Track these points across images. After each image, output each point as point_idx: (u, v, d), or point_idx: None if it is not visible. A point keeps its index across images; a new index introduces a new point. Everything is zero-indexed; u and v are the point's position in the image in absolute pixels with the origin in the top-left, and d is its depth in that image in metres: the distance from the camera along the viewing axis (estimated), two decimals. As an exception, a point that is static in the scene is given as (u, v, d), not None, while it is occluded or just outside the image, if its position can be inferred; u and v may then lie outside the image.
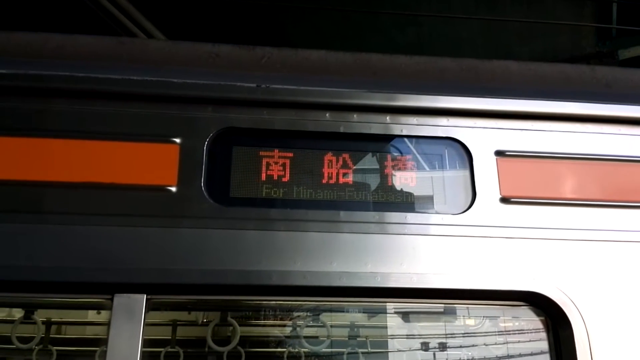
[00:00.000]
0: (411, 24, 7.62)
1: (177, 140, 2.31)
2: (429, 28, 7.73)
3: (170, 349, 4.11)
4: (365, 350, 4.25)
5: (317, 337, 3.84)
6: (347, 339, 4.24)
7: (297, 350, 4.12)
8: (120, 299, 2.10)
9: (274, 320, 4.35)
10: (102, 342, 4.17)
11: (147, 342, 2.12)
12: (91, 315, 4.79)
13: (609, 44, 7.90)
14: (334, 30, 7.54)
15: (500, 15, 7.08)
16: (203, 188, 2.26)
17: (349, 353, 4.23)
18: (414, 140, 2.48)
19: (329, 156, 2.42)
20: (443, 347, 3.87)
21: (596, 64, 7.21)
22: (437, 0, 7.33)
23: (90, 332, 4.84)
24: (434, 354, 3.96)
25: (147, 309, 2.13)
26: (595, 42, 7.91)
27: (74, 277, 2.11)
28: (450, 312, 2.82)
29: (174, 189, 2.25)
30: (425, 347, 3.88)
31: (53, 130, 2.28)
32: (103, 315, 4.59)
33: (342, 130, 2.43)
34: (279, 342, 4.39)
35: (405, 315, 3.22)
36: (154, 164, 2.27)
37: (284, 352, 4.26)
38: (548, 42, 7.75)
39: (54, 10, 6.57)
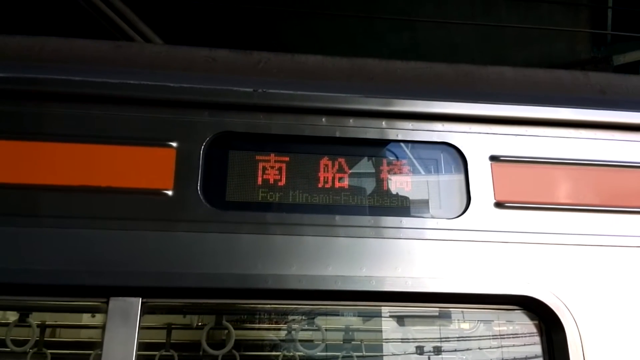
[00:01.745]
0: (406, 28, 7.65)
1: (174, 144, 2.32)
2: (424, 33, 7.75)
3: (164, 353, 4.10)
4: (360, 354, 4.26)
5: (311, 340, 3.84)
6: (342, 342, 4.24)
7: (291, 353, 4.11)
8: (115, 303, 2.11)
9: (269, 323, 4.35)
10: (96, 345, 4.18)
11: (141, 346, 2.12)
12: (85, 318, 4.78)
13: (604, 50, 7.95)
14: (330, 34, 7.56)
15: (496, 20, 7.11)
16: (199, 192, 2.27)
17: (343, 357, 4.24)
18: (409, 145, 2.49)
19: (324, 161, 2.43)
20: (438, 350, 3.88)
21: (591, 69, 7.25)
22: (433, 5, 7.35)
23: (84, 335, 4.84)
24: (429, 358, 3.97)
25: (143, 313, 2.13)
26: (590, 48, 7.95)
27: (70, 280, 2.11)
28: (444, 316, 2.83)
29: (170, 192, 2.25)
30: (420, 350, 3.89)
31: (49, 134, 2.28)
32: (97, 319, 4.60)
33: (338, 135, 2.45)
34: (274, 346, 4.39)
35: (400, 319, 3.23)
36: (150, 167, 2.28)
37: (278, 355, 4.26)
38: (543, 48, 7.79)
39: (50, 14, 6.57)
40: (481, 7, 7.35)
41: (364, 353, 4.31)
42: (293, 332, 3.80)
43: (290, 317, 3.83)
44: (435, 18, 6.94)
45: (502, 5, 7.37)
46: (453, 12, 7.22)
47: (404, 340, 3.88)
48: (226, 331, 3.37)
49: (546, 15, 7.29)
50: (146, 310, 2.16)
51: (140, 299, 2.13)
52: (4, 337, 3.40)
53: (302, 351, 3.72)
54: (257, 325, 4.35)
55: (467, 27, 7.07)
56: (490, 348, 3.33)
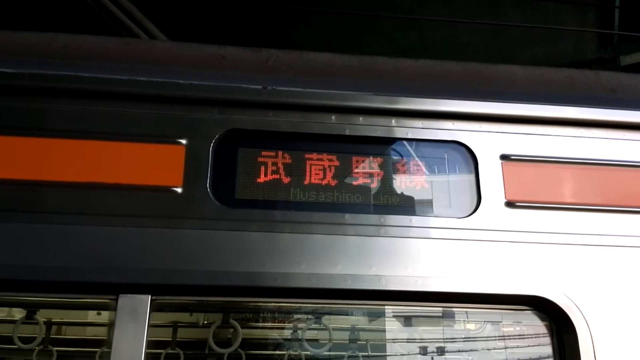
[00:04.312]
0: (413, 27, 7.62)
1: (183, 141, 2.31)
2: (430, 32, 7.72)
3: (170, 351, 4.09)
4: (367, 353, 4.24)
5: (317, 340, 3.82)
6: (348, 342, 4.22)
7: (297, 352, 4.10)
8: (125, 300, 2.10)
9: (276, 322, 4.34)
10: (102, 342, 4.17)
11: (148, 344, 2.11)
12: (91, 315, 4.78)
13: (611, 50, 7.91)
14: (337, 32, 7.54)
15: (503, 19, 7.08)
16: (208, 189, 2.26)
17: (350, 357, 4.22)
18: (419, 143, 2.48)
19: (334, 159, 2.42)
20: (446, 351, 3.86)
21: (598, 69, 7.21)
22: (440, 4, 7.33)
23: (90, 332, 4.83)
24: (432, 359, 3.95)
25: (152, 310, 2.13)
26: (597, 48, 7.91)
27: (79, 277, 2.11)
28: (453, 316, 2.81)
29: (179, 190, 2.25)
30: (428, 351, 3.87)
31: (59, 130, 2.28)
32: (103, 316, 4.59)
33: (347, 133, 2.44)
34: (280, 345, 4.37)
35: (408, 319, 3.21)
36: (159, 164, 2.28)
37: (284, 354, 4.25)
38: (550, 47, 7.76)
39: (55, 10, 6.56)
40: (488, 7, 7.32)
41: (370, 353, 4.29)
42: (300, 331, 3.79)
43: (297, 316, 3.82)
44: (442, 17, 6.92)
45: (509, 5, 7.34)
46: (460, 11, 7.20)
47: (413, 340, 3.86)
48: (232, 330, 3.35)
49: (553, 14, 7.26)
50: (155, 307, 2.15)
51: (150, 296, 2.12)
52: (9, 334, 3.39)
53: (308, 350, 3.71)
54: (263, 324, 4.34)
55: (474, 26, 7.04)
56: (500, 349, 3.31)
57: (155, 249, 2.16)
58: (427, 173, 2.46)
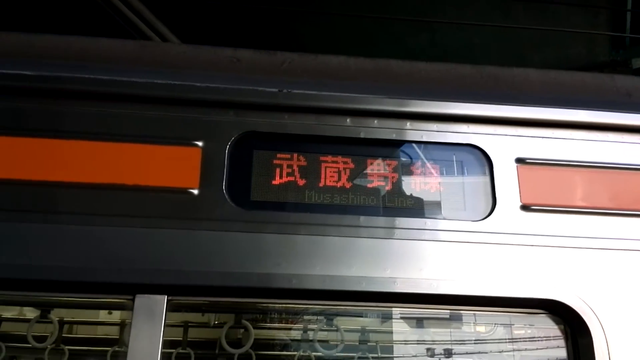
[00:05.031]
0: (424, 30, 7.62)
1: (199, 143, 2.33)
2: (442, 34, 7.72)
3: (181, 350, 4.11)
4: (377, 355, 4.24)
5: (327, 341, 3.83)
6: (361, 343, 4.23)
7: (307, 354, 4.11)
8: (141, 300, 2.12)
9: (287, 323, 4.35)
10: (113, 342, 4.19)
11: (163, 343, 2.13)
12: (102, 315, 4.81)
13: (623, 53, 7.87)
14: (348, 35, 7.54)
15: (514, 22, 7.06)
16: (224, 191, 2.28)
17: (359, 357, 4.22)
18: (434, 146, 2.48)
19: (349, 161, 2.43)
20: (459, 353, 3.86)
21: (610, 72, 7.17)
22: (451, 6, 7.32)
23: (101, 332, 4.86)
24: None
25: (168, 310, 2.15)
26: (608, 51, 7.88)
27: (97, 277, 2.13)
28: (466, 319, 2.82)
29: (195, 191, 2.27)
30: (439, 353, 3.87)
31: (77, 132, 2.30)
32: (114, 316, 4.62)
33: (362, 135, 2.45)
34: (291, 346, 4.38)
35: (420, 321, 3.22)
36: (176, 166, 2.30)
37: (294, 355, 4.25)
38: (561, 50, 7.73)
39: (65, 12, 6.59)
40: (499, 9, 7.31)
41: (380, 354, 4.29)
42: (311, 332, 3.80)
43: (307, 317, 3.82)
44: (453, 19, 6.91)
45: (519, 8, 7.32)
46: (471, 14, 7.18)
47: (427, 342, 3.86)
48: (242, 330, 3.37)
49: (564, 17, 7.24)
50: (171, 308, 2.17)
51: (166, 296, 2.14)
52: (22, 333, 3.42)
53: (319, 351, 3.71)
54: (273, 325, 4.35)
55: (486, 28, 7.03)
56: (513, 352, 3.30)
57: (171, 249, 2.18)
58: (442, 176, 2.47)
